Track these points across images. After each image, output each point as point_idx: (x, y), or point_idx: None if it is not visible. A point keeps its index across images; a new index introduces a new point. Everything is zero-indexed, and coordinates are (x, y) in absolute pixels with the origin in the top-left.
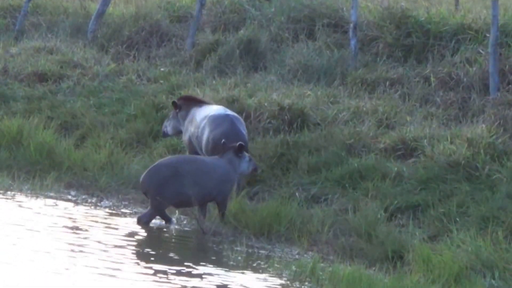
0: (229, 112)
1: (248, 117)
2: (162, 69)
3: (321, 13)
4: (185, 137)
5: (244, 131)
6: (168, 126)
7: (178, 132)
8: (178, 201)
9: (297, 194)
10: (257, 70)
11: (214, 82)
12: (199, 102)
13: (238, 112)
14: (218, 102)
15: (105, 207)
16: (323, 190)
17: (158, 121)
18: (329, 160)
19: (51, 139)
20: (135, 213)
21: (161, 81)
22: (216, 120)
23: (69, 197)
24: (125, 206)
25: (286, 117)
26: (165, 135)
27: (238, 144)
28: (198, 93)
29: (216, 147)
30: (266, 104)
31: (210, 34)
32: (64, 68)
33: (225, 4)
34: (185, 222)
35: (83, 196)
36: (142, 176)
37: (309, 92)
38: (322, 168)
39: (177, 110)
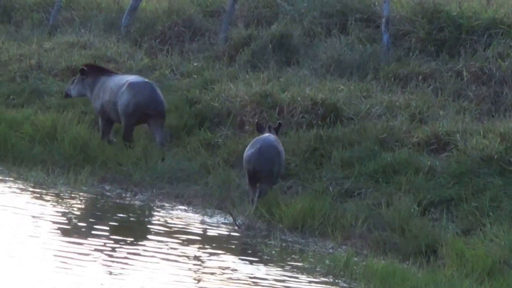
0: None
1: (281, 112)
2: (195, 64)
3: (353, 7)
4: (96, 104)
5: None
6: (72, 90)
7: (81, 96)
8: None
9: (330, 188)
10: (290, 65)
11: (247, 76)
12: (108, 72)
13: (271, 107)
14: (251, 96)
15: (140, 201)
16: (356, 185)
17: (191, 115)
18: (362, 154)
19: (85, 133)
20: (170, 207)
21: (194, 76)
22: (137, 86)
23: (104, 191)
24: (160, 201)
25: (319, 111)
26: (67, 96)
27: (278, 122)
28: (231, 87)
29: (136, 112)
30: (299, 98)
31: (243, 29)
32: (97, 62)
33: None
34: (219, 216)
35: (118, 191)
36: (251, 157)
37: (342, 87)
38: (356, 162)
39: (83, 77)
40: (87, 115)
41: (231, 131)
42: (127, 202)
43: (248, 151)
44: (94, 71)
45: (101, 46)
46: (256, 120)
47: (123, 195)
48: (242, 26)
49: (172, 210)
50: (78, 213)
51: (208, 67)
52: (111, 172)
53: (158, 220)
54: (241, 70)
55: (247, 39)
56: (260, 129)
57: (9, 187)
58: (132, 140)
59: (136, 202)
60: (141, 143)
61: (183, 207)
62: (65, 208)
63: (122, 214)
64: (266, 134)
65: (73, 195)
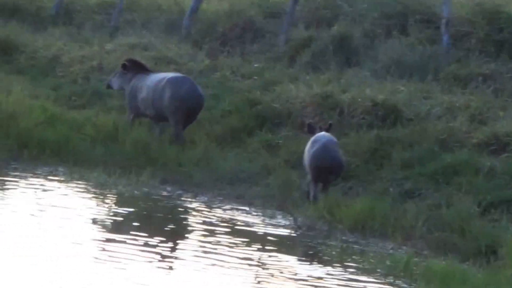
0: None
1: (341, 113)
2: (256, 65)
3: (413, 8)
4: (128, 99)
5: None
6: (114, 82)
7: (121, 89)
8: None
9: (390, 189)
10: (350, 66)
11: (307, 77)
12: (146, 70)
13: (331, 108)
14: (312, 98)
15: (201, 202)
16: (416, 185)
17: (252, 117)
18: (422, 155)
19: (146, 135)
20: (230, 208)
21: (255, 77)
22: (177, 82)
23: (165, 192)
24: (220, 202)
25: (379, 112)
26: (109, 87)
27: (329, 123)
28: (292, 88)
29: (180, 107)
30: (359, 99)
31: (304, 30)
32: (158, 64)
33: (318, 0)
34: (279, 217)
35: (178, 192)
36: (317, 153)
37: (402, 88)
38: (416, 163)
39: (125, 71)
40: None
41: (291, 132)
42: (187, 203)
43: (312, 149)
44: (135, 67)
45: (162, 48)
46: (308, 122)
47: (184, 196)
48: (302, 27)
49: (233, 211)
50: (138, 214)
51: (268, 68)
52: (172, 173)
53: (219, 221)
54: (301, 71)
55: (307, 40)
56: (311, 130)
57: (71, 188)
58: (184, 140)
59: (196, 203)
60: (201, 144)
61: (243, 208)
62: (125, 209)
63: (183, 215)
64: (322, 133)
65: (134, 196)
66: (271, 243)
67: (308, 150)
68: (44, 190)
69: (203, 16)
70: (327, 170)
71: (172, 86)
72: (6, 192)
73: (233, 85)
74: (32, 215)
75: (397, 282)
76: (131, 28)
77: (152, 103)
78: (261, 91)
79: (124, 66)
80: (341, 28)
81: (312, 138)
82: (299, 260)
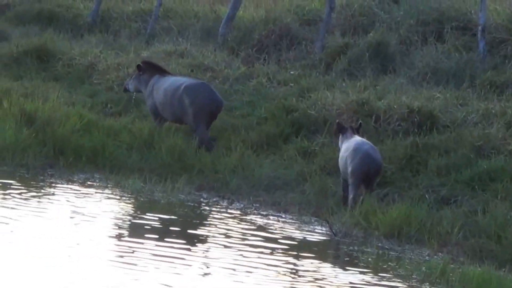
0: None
1: (377, 120)
2: (292, 72)
3: (449, 15)
4: (149, 102)
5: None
6: (130, 85)
7: (138, 91)
8: None
9: (426, 196)
10: (386, 73)
11: (343, 84)
12: (162, 71)
13: (367, 115)
14: (348, 104)
15: (237, 209)
16: (452, 192)
17: (288, 124)
18: (458, 162)
19: (182, 141)
20: (266, 215)
21: (291, 84)
22: (195, 89)
23: (201, 199)
24: (256, 208)
25: (415, 119)
26: (126, 91)
27: (359, 123)
28: (328, 95)
29: (199, 113)
30: (395, 106)
31: (340, 37)
32: (195, 71)
33: (354, 7)
34: (316, 224)
35: (214, 199)
36: (364, 158)
37: (438, 95)
38: (452, 170)
39: (141, 73)
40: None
41: (327, 139)
42: (224, 210)
43: (356, 154)
44: (151, 69)
45: (198, 55)
46: (337, 120)
47: (220, 203)
48: (338, 34)
49: (269, 217)
50: (174, 220)
51: (305, 75)
52: (208, 180)
53: (255, 227)
54: (337, 78)
55: (343, 48)
56: (342, 130)
57: (107, 195)
58: (212, 144)
59: (233, 209)
60: (237, 151)
61: (279, 215)
62: (161, 216)
63: (219, 221)
64: (358, 138)
65: (170, 203)
66: (307, 250)
67: (350, 155)
68: (80, 197)
69: (240, 23)
70: (374, 175)
71: (190, 93)
72: (43, 198)
73: (269, 92)
74: (68, 221)
75: None
76: (167, 36)
77: (170, 108)
78: (297, 98)
79: (139, 68)
80: (377, 35)
81: (351, 143)
82: (335, 266)
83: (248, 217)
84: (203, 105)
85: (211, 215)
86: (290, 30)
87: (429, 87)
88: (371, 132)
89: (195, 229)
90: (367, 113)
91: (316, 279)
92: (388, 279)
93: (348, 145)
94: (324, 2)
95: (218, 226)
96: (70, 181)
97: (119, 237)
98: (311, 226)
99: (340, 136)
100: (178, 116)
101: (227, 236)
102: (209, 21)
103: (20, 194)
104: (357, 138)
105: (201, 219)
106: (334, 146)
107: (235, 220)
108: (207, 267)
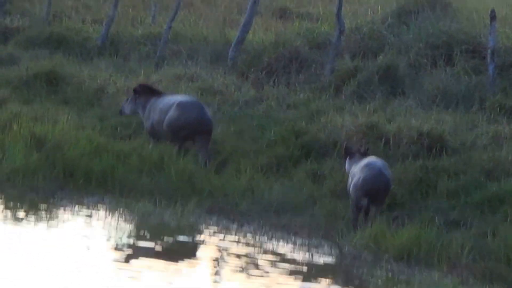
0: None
1: (387, 143)
2: (301, 95)
3: (459, 39)
4: (147, 124)
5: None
6: (126, 108)
7: (134, 114)
8: None
9: (436, 218)
10: (396, 96)
11: (353, 107)
12: (158, 93)
13: (377, 138)
14: (357, 127)
15: (247, 231)
16: (462, 215)
17: (298, 147)
18: (468, 184)
19: (192, 165)
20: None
21: (301, 107)
22: (186, 105)
23: (211, 222)
24: (266, 231)
25: (425, 142)
26: (122, 113)
27: (367, 147)
28: (337, 118)
29: (182, 130)
30: (405, 129)
31: (349, 60)
32: (204, 95)
33: (364, 30)
34: (325, 246)
35: (224, 221)
36: (377, 177)
37: (447, 118)
38: (461, 192)
39: (136, 95)
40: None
41: (337, 162)
42: (233, 233)
43: (368, 173)
44: (147, 92)
45: (208, 78)
46: (345, 143)
47: (230, 225)
48: (348, 57)
49: (279, 240)
50: (183, 243)
51: (314, 98)
52: (217, 203)
53: (264, 250)
54: (347, 101)
55: (353, 71)
56: (349, 153)
57: (117, 218)
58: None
59: (242, 232)
60: (247, 173)
61: (289, 238)
62: (171, 239)
63: (229, 244)
64: (372, 157)
65: (180, 226)
66: (317, 272)
67: (359, 176)
68: (90, 220)
69: (249, 46)
70: (381, 195)
71: (182, 110)
72: (53, 221)
73: (278, 115)
74: (77, 244)
75: None
76: (176, 59)
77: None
78: (307, 121)
79: (135, 91)
80: (387, 58)
81: (364, 162)
82: None
83: (258, 240)
84: (192, 123)
85: (220, 238)
86: (300, 53)
87: (438, 110)
88: (380, 155)
89: (205, 252)
90: (376, 136)
91: None
92: None
93: (358, 166)
94: (333, 25)
95: (228, 248)
96: (80, 204)
97: (128, 259)
98: (321, 249)
99: (348, 160)
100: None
101: (237, 259)
102: (219, 45)
103: (30, 217)
104: (370, 158)
105: (210, 242)
106: (343, 170)
107: (245, 243)
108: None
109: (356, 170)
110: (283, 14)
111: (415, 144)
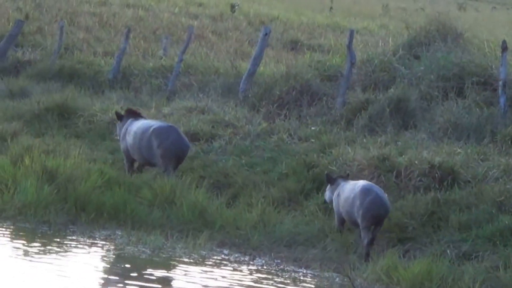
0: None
1: (398, 175)
2: (313, 128)
3: (470, 71)
4: (122, 145)
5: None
6: (117, 133)
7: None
8: None
9: (448, 251)
10: (407, 128)
11: (364, 140)
12: (136, 115)
13: (388, 171)
14: (369, 160)
15: (258, 265)
16: (474, 247)
17: (309, 179)
18: (479, 217)
19: (203, 198)
20: (288, 271)
21: (312, 140)
22: (162, 132)
23: (222, 256)
24: (278, 264)
25: (436, 175)
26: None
27: (347, 174)
28: (349, 151)
29: (166, 155)
30: (416, 162)
31: (361, 93)
32: (215, 127)
33: (375, 63)
34: (337, 279)
35: (236, 255)
36: (375, 202)
37: (459, 150)
38: (473, 225)
39: (119, 120)
40: (205, 180)
41: None
42: (245, 266)
43: (367, 197)
44: (127, 114)
45: (219, 111)
46: (326, 172)
47: (242, 259)
48: (359, 90)
49: (290, 273)
50: (194, 277)
51: (325, 131)
52: (229, 236)
53: (276, 284)
54: (358, 134)
55: (364, 103)
56: (331, 181)
57: (128, 252)
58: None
59: (254, 266)
60: (258, 207)
61: (301, 271)
62: (182, 272)
63: (241, 278)
64: (358, 181)
65: (191, 259)
66: None
67: (360, 198)
68: (102, 253)
69: (260, 79)
70: (380, 219)
71: (158, 136)
72: (64, 254)
73: (290, 148)
74: (90, 277)
75: None
76: (188, 92)
77: (139, 150)
78: (318, 154)
79: (117, 116)
80: (398, 90)
81: (354, 185)
82: None
83: (270, 273)
84: (170, 147)
85: (232, 272)
86: (311, 86)
87: (450, 142)
88: (392, 187)
89: (217, 285)
90: (388, 168)
91: None
92: None
93: (349, 188)
94: (344, 57)
95: (240, 282)
96: (91, 237)
97: None
98: (333, 282)
99: (329, 187)
100: (147, 158)
101: None
102: (230, 77)
103: (42, 251)
104: (360, 182)
105: (222, 275)
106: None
107: (256, 276)
108: None
109: (344, 191)
110: (294, 46)
111: (427, 176)
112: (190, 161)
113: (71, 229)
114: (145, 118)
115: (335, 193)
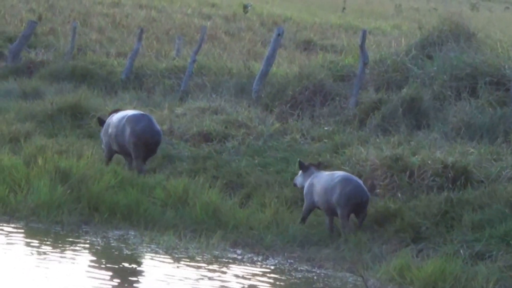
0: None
1: (411, 175)
2: (326, 128)
3: (483, 71)
4: (104, 137)
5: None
6: None
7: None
8: None
9: (461, 251)
10: (420, 128)
11: (377, 140)
12: (117, 111)
13: (401, 171)
14: (382, 160)
15: (272, 265)
16: (487, 247)
17: None
18: (493, 217)
19: (216, 198)
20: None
21: (325, 140)
22: (135, 119)
23: (235, 255)
24: (291, 264)
25: (449, 174)
26: None
27: (318, 162)
28: (362, 151)
29: (138, 142)
30: (429, 162)
31: (373, 93)
32: (229, 128)
33: (387, 63)
34: (350, 279)
35: (249, 255)
36: (357, 189)
37: (472, 150)
38: (486, 225)
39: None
40: (218, 180)
41: None
42: (258, 266)
43: (345, 186)
44: (110, 114)
45: (232, 111)
46: (299, 159)
47: (255, 259)
48: (372, 90)
49: (304, 273)
50: (207, 276)
51: (338, 131)
52: (242, 236)
53: (290, 283)
54: (371, 134)
55: (377, 103)
56: (303, 168)
57: (141, 252)
58: (145, 172)
59: (267, 266)
60: (272, 207)
61: (314, 271)
62: (194, 272)
63: (253, 278)
64: (339, 171)
65: (204, 259)
66: None
67: (340, 186)
68: (115, 253)
69: (273, 79)
70: (364, 205)
71: (130, 123)
72: (77, 254)
73: (303, 148)
74: (103, 277)
75: None
76: (201, 92)
77: (116, 139)
78: (331, 154)
79: (99, 121)
80: (411, 90)
81: (329, 174)
82: None
83: (283, 273)
84: (139, 134)
85: (245, 271)
86: (324, 86)
87: (463, 142)
88: (405, 187)
89: (229, 285)
90: (401, 168)
91: None
92: None
93: (325, 178)
94: (357, 57)
95: (252, 282)
96: (105, 237)
97: None
98: (346, 282)
99: (301, 173)
100: (122, 147)
101: None
102: (243, 78)
103: (54, 251)
104: (336, 172)
105: (235, 275)
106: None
107: (269, 277)
108: None
109: (320, 181)
110: (307, 46)
111: (440, 176)
112: (203, 161)
113: (84, 229)
114: (123, 110)
115: (308, 181)
